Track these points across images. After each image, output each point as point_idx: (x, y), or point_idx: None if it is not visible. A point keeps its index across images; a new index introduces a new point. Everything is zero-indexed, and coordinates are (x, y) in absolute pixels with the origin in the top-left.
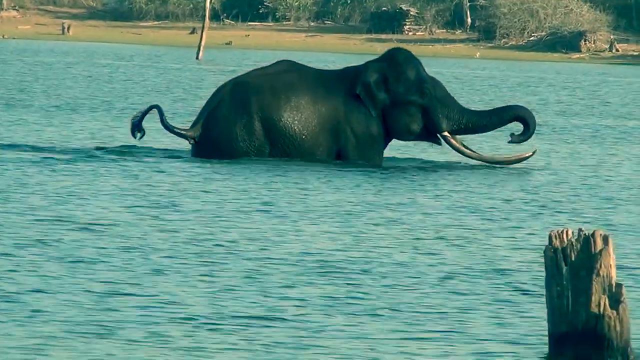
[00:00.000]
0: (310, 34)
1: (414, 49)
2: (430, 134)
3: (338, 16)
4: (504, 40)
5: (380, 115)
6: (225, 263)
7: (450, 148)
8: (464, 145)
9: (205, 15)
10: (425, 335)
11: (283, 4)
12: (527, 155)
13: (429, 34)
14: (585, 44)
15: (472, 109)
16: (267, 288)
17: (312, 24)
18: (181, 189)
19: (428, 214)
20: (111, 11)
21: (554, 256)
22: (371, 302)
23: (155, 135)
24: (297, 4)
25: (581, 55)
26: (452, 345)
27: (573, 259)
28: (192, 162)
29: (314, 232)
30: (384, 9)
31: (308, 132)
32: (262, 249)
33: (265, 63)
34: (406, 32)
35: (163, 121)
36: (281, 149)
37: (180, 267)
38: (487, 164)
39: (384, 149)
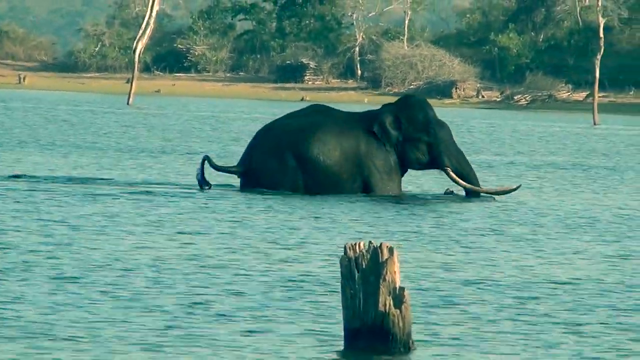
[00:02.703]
0: (226, 83)
1: (313, 96)
2: (436, 165)
3: (249, 68)
4: (388, 88)
5: (394, 149)
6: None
7: (449, 179)
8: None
9: (134, 68)
10: (241, 329)
11: (204, 58)
12: (512, 188)
13: (326, 83)
14: (456, 91)
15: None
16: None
17: (228, 74)
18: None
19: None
20: (60, 64)
21: (348, 264)
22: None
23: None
24: (215, 58)
25: (453, 101)
26: (267, 342)
27: (364, 266)
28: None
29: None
30: (288, 62)
31: (333, 161)
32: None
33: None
34: (307, 81)
35: (212, 165)
36: (312, 178)
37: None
38: (480, 195)
39: (402, 177)
